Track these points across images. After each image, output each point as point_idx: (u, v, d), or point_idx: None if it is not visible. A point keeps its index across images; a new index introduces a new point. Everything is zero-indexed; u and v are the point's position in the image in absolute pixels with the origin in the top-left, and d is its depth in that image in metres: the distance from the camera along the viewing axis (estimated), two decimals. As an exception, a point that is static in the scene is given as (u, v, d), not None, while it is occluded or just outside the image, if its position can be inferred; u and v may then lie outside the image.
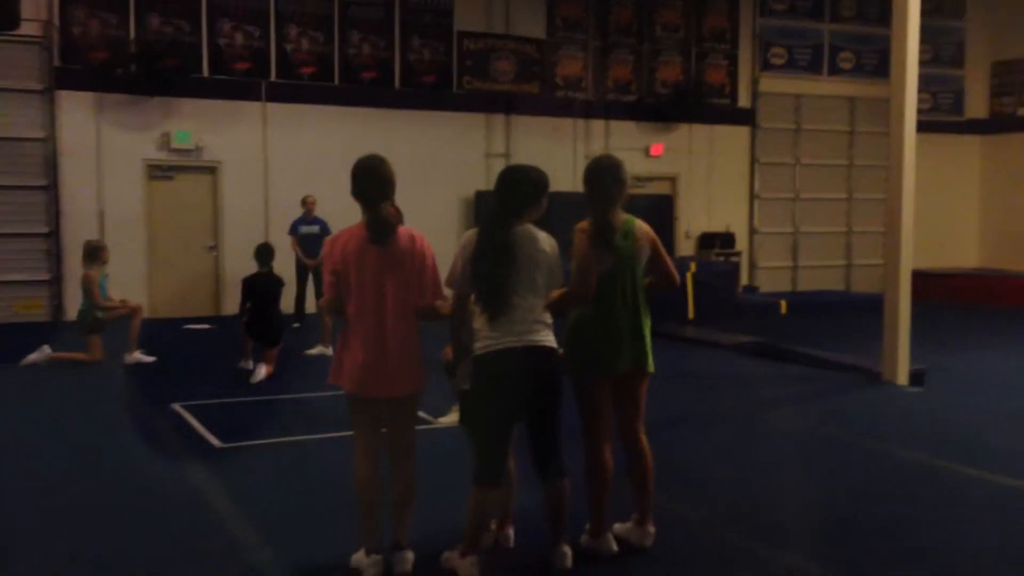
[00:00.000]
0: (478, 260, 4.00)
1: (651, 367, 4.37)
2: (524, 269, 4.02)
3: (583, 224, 4.28)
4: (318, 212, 12.15)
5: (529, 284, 4.04)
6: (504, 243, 4.00)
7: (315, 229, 12.04)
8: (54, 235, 12.91)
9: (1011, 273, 17.55)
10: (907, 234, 8.62)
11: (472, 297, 4.08)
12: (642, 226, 4.36)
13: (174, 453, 6.11)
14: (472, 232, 4.13)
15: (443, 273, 4.09)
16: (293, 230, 12.23)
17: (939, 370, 8.98)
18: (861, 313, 13.73)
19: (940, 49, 18.52)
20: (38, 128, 12.81)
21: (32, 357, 9.18)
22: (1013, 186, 18.50)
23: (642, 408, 4.41)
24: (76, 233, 12.47)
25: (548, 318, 4.13)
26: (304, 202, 12.24)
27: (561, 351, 4.19)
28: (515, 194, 4.10)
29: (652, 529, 4.40)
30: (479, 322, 4.05)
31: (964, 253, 19.20)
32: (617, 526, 4.43)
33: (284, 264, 10.84)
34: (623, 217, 4.30)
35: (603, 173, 4.32)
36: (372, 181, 4.05)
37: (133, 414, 7.32)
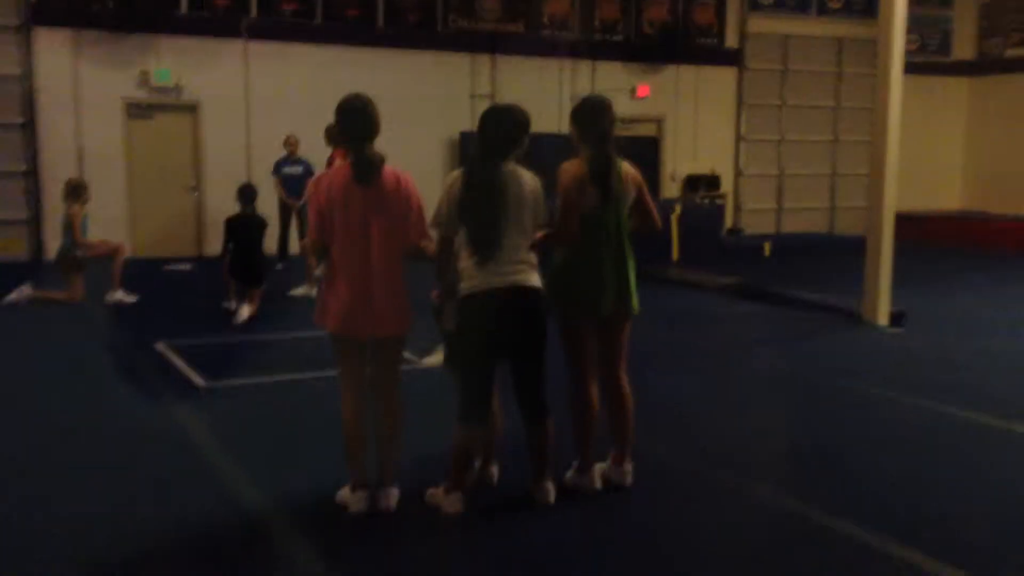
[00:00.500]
0: (465, 202, 3.99)
1: (635, 308, 4.39)
2: (511, 209, 4.02)
3: (569, 163, 4.26)
4: (300, 152, 12.03)
5: (516, 224, 4.04)
6: (492, 184, 3.99)
7: (298, 170, 11.94)
8: (32, 173, 12.74)
9: (994, 216, 17.64)
10: (891, 176, 8.63)
11: (457, 238, 4.07)
12: (628, 168, 4.35)
13: (158, 393, 6.13)
14: (457, 173, 4.10)
15: (429, 214, 4.08)
16: (276, 170, 12.12)
17: (919, 311, 9.07)
18: (844, 255, 13.77)
19: (929, -11, 18.34)
20: (14, 65, 12.57)
21: (12, 296, 9.12)
22: (999, 128, 18.49)
23: (624, 349, 4.45)
24: (54, 171, 12.33)
25: (533, 258, 4.13)
26: (286, 142, 12.12)
27: (546, 291, 4.21)
28: (499, 134, 4.07)
29: (630, 467, 4.46)
30: (464, 263, 4.05)
31: (948, 195, 19.26)
32: (597, 466, 4.48)
33: (267, 204, 10.76)
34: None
35: (598, 112, 4.28)
36: (357, 121, 4.01)
37: (116, 354, 7.31)
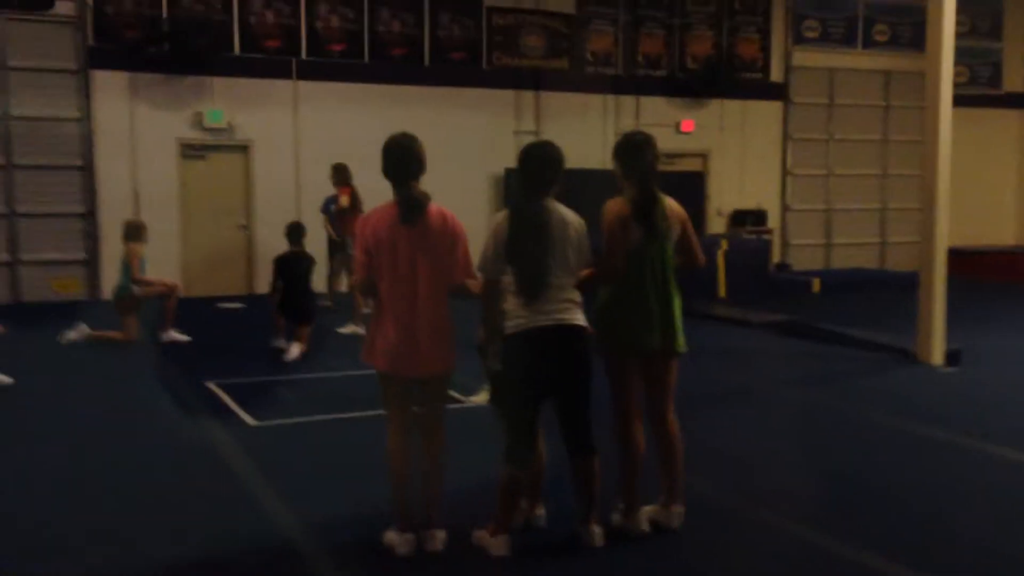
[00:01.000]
0: (514, 242, 3.98)
1: (681, 347, 4.35)
2: (557, 247, 4.02)
3: (613, 201, 4.25)
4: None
5: (562, 263, 4.04)
6: (541, 223, 4.00)
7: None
8: (90, 215, 13.06)
9: (1050, 249, 17.25)
10: (943, 211, 8.49)
11: (504, 277, 4.06)
12: (672, 204, 4.34)
13: (208, 430, 6.19)
14: (502, 215, 4.11)
15: (474, 253, 4.09)
16: (325, 208, 12.27)
17: (975, 350, 8.86)
18: (896, 292, 13.57)
19: (978, 20, 18.12)
20: (73, 108, 12.94)
21: (69, 335, 9.32)
22: (1052, 160, 18.15)
23: (672, 388, 4.40)
24: (111, 212, 12.63)
25: (578, 297, 4.13)
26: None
27: (591, 329, 4.19)
28: (543, 172, 4.09)
29: (680, 509, 4.39)
30: (510, 302, 4.05)
31: (1001, 229, 18.89)
32: (645, 508, 4.41)
33: (316, 242, 10.90)
34: None
35: (643, 148, 4.29)
36: (403, 159, 4.06)
37: (168, 392, 7.42)
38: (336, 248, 12.22)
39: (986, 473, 5.42)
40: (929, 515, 4.65)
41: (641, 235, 4.21)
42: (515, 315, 4.02)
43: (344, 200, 10.83)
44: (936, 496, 4.95)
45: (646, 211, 4.21)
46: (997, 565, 4.06)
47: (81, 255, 13.09)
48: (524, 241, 3.98)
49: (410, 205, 4.01)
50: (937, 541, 4.31)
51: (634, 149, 4.30)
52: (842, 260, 17.50)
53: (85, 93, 12.95)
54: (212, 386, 7.41)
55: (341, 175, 11.00)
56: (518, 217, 4.03)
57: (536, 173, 4.08)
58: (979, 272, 16.34)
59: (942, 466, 5.53)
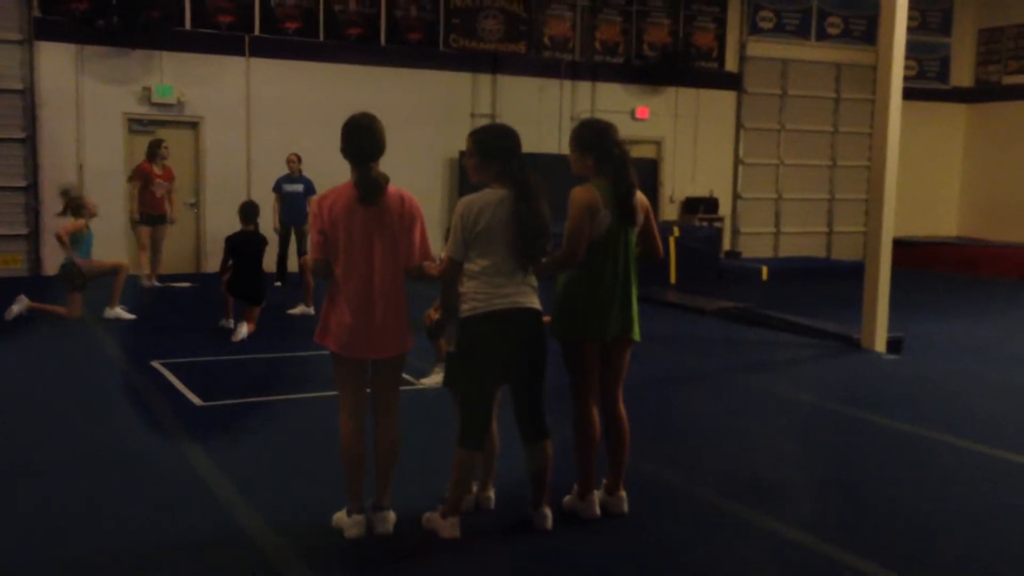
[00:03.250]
0: (520, 214, 3.95)
1: (637, 335, 4.38)
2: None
3: (583, 189, 4.22)
4: (302, 169, 12.06)
5: None
6: (541, 195, 4.01)
7: (299, 187, 11.96)
8: (32, 188, 12.75)
9: (991, 243, 17.69)
10: (890, 202, 8.66)
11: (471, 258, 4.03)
12: (638, 194, 4.34)
13: (155, 411, 6.10)
14: (468, 200, 4.03)
15: (431, 234, 4.06)
16: (277, 188, 12.14)
17: (917, 338, 9.08)
18: (841, 280, 13.83)
19: (928, 15, 18.47)
20: (17, 79, 12.59)
21: (14, 309, 9.05)
22: (996, 155, 18.57)
23: (623, 375, 4.43)
24: (55, 187, 12.30)
25: (535, 281, 4.13)
26: (288, 160, 12.14)
27: (548, 316, 4.20)
28: (518, 147, 4.07)
29: (623, 494, 4.42)
30: (467, 284, 4.04)
31: (945, 222, 19.31)
32: (595, 491, 4.43)
33: (267, 222, 10.78)
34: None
35: (612, 135, 4.27)
36: (363, 139, 4.01)
37: (112, 371, 7.29)
38: (286, 230, 12.11)
39: (929, 458, 5.55)
40: (865, 495, 4.76)
41: (611, 223, 4.20)
42: (470, 297, 4.01)
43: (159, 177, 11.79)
44: (880, 480, 5.07)
45: (626, 199, 4.20)
46: (923, 537, 4.18)
47: (23, 230, 12.77)
48: (528, 218, 3.96)
49: (369, 185, 3.97)
50: (867, 518, 4.41)
51: (606, 136, 4.25)
52: (790, 249, 17.77)
53: (30, 64, 12.61)
54: (158, 365, 7.30)
55: (154, 149, 11.82)
56: (526, 195, 3.98)
57: (516, 148, 4.07)
58: (922, 262, 16.73)
59: (887, 451, 5.65)
